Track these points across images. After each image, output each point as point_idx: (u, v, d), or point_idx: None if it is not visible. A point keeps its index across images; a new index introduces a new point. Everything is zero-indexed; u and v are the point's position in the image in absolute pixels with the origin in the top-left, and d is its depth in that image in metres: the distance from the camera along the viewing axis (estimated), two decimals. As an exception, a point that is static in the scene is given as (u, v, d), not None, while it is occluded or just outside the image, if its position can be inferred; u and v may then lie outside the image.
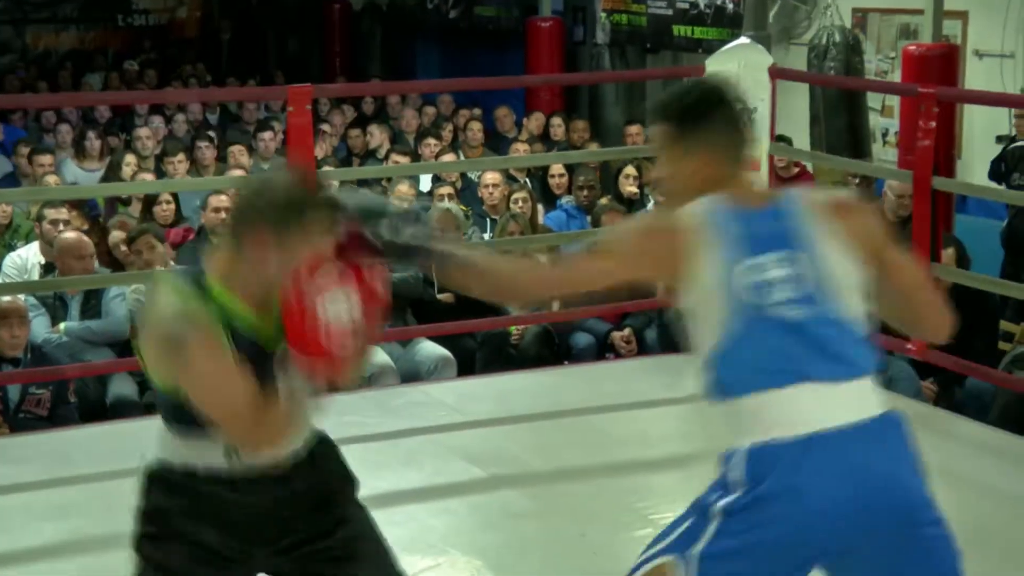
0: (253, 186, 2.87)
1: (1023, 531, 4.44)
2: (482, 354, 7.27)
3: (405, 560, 4.08)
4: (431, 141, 10.59)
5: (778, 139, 7.29)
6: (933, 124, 5.52)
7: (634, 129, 10.66)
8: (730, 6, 11.48)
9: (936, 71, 8.31)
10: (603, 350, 7.51)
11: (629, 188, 9.08)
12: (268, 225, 2.67)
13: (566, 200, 9.29)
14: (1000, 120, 9.05)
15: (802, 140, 9.47)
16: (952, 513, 4.27)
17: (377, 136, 11.39)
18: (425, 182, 9.95)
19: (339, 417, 5.29)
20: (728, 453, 2.61)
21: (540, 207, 8.83)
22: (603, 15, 13.10)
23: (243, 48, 18.19)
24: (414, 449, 5.11)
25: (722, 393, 2.64)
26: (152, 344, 2.72)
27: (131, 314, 6.40)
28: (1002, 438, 5.34)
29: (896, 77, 9.62)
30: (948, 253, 6.51)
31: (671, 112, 2.79)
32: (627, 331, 7.47)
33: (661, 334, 7.25)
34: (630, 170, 9.10)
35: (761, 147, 6.12)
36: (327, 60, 16.67)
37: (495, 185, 8.78)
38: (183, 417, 2.74)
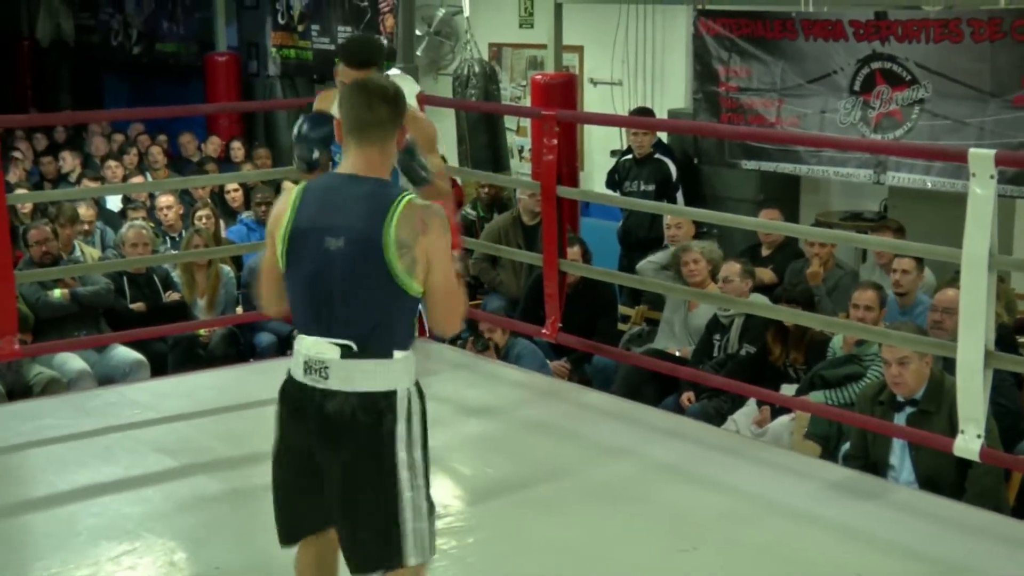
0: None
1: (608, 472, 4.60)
2: (173, 356, 7.05)
3: (102, 546, 3.93)
4: (112, 163, 10.17)
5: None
6: (555, 141, 5.60)
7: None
8: (385, 41, 11.52)
9: (559, 96, 8.56)
10: (285, 347, 7.40)
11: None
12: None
13: (246, 215, 9.12)
14: (613, 137, 9.40)
15: (451, 157, 9.60)
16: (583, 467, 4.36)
17: (69, 161, 10.86)
18: (114, 202, 9.56)
19: (36, 421, 5.06)
20: None
21: (222, 222, 8.65)
22: (273, 50, 12.95)
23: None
24: (110, 445, 4.87)
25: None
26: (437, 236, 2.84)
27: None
28: (621, 404, 5.53)
29: (527, 102, 9.86)
30: (574, 251, 6.73)
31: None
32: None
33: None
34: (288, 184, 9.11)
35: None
36: (18, 94, 15.75)
37: (168, 207, 8.53)
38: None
